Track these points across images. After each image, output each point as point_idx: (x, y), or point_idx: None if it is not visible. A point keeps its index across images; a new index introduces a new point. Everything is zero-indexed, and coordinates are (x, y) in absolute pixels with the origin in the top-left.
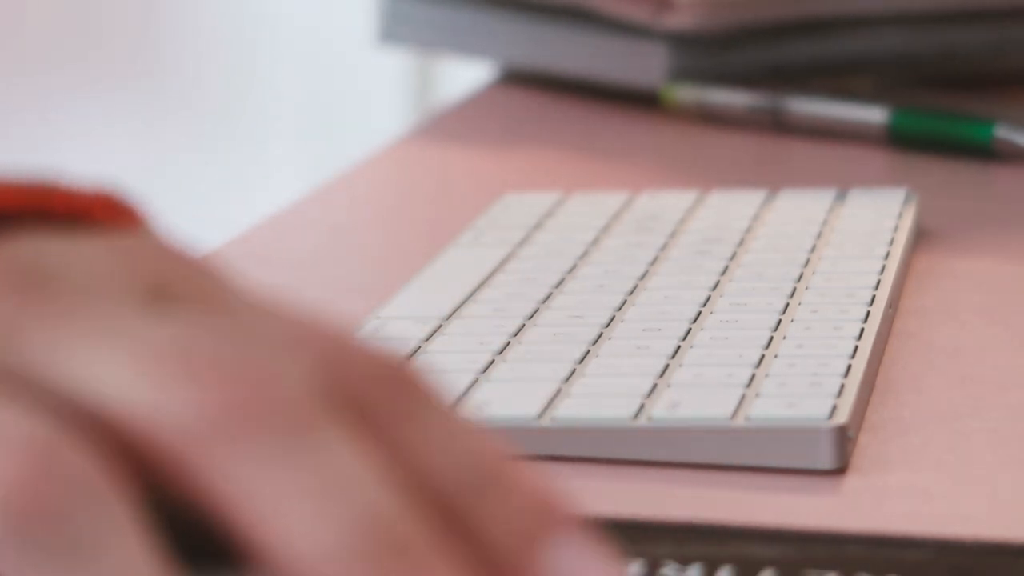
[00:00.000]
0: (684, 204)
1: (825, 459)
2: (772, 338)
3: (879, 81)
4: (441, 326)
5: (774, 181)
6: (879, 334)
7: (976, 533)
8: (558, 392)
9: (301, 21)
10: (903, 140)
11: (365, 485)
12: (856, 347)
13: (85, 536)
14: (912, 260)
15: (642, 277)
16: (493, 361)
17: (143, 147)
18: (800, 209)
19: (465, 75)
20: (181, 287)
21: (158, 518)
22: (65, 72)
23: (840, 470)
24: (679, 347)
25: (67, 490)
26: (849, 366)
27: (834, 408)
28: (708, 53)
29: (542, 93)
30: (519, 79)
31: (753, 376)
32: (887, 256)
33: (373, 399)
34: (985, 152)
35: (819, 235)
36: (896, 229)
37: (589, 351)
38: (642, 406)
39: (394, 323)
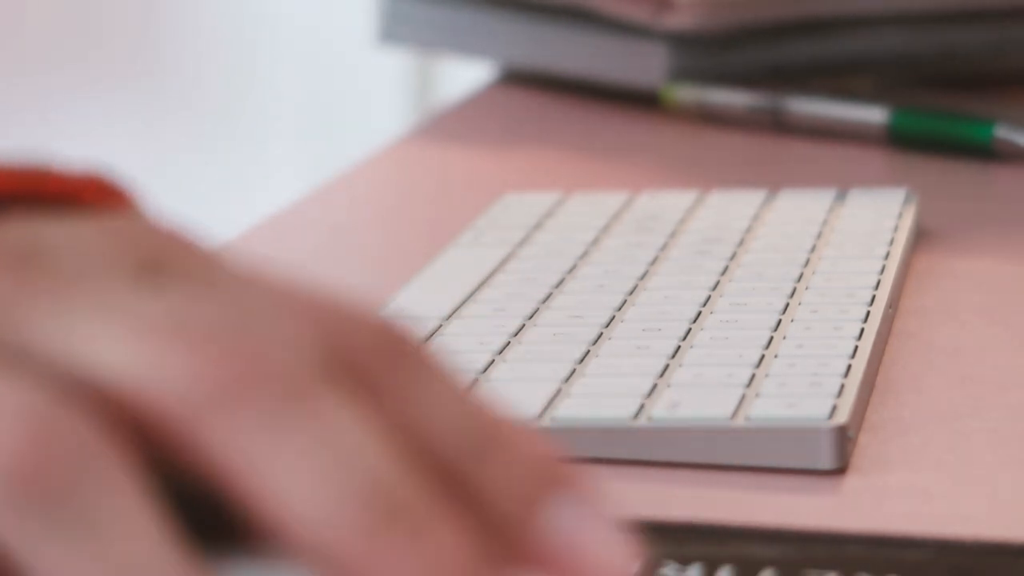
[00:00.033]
0: (684, 204)
1: (825, 459)
2: (772, 338)
3: (879, 81)
4: (441, 326)
5: (774, 181)
6: (879, 334)
7: (976, 533)
8: (558, 392)
9: (301, 21)
10: (903, 140)
11: (365, 451)
12: (856, 347)
13: (89, 504)
14: (912, 260)
15: (642, 277)
16: (493, 361)
17: (143, 147)
18: (800, 209)
19: (465, 75)
20: (174, 263)
21: (162, 492)
22: (65, 72)
23: (840, 470)
24: (679, 347)
25: (69, 458)
26: (849, 366)
27: (834, 408)
28: (708, 53)
29: (542, 93)
30: (519, 79)
31: (753, 376)
32: (887, 256)
33: (371, 366)
34: (985, 152)
35: (819, 235)
36: (896, 229)
37: (589, 351)
38: (642, 406)
39: None
